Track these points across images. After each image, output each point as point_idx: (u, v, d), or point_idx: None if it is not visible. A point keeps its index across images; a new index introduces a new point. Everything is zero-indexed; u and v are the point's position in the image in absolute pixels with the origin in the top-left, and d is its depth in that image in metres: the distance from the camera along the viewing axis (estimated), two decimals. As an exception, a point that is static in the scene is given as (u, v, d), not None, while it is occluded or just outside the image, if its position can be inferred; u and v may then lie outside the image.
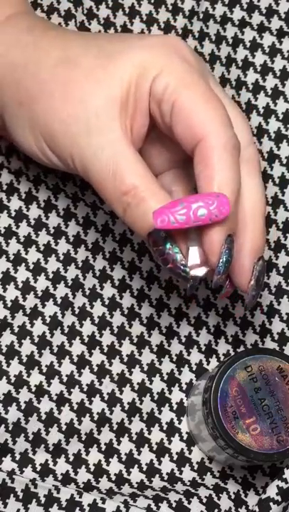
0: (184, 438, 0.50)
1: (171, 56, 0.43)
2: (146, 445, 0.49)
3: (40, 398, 0.49)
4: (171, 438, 0.50)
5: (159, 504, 0.48)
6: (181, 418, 0.50)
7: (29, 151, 0.46)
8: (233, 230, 0.43)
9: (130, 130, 0.43)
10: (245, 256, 0.44)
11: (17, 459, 0.49)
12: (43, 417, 0.49)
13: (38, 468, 0.48)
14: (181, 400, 0.50)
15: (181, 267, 0.42)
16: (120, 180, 0.42)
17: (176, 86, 0.42)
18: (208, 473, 0.49)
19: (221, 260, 0.42)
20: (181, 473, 0.49)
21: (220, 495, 0.49)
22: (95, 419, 0.49)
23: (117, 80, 0.43)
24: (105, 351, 0.50)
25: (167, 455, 0.49)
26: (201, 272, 0.43)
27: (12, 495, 0.47)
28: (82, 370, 0.50)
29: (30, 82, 0.44)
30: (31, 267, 0.51)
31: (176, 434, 0.50)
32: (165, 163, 0.47)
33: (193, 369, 0.51)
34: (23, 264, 0.51)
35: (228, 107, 0.44)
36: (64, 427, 0.49)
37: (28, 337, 0.50)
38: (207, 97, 0.43)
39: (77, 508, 0.47)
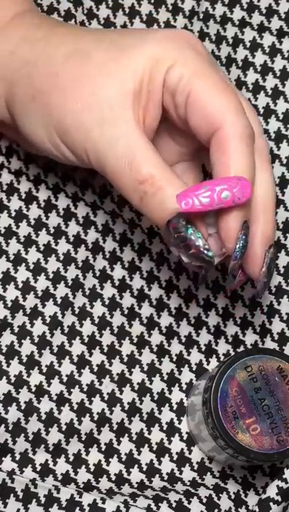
0: (184, 438, 0.50)
1: (184, 48, 0.44)
2: (146, 445, 0.49)
3: (40, 398, 0.49)
4: (171, 438, 0.50)
5: (159, 504, 0.48)
6: (181, 418, 0.50)
7: (42, 147, 0.46)
8: (248, 217, 0.43)
9: (143, 122, 0.44)
10: (257, 244, 0.44)
11: (17, 459, 0.49)
12: (43, 417, 0.49)
13: (38, 468, 0.48)
14: (181, 399, 0.50)
15: (205, 252, 0.42)
16: (136, 170, 0.43)
17: (191, 76, 0.43)
18: (208, 473, 0.49)
19: (237, 246, 0.43)
20: (181, 473, 0.49)
21: (220, 495, 0.49)
22: (95, 419, 0.49)
23: (130, 72, 0.43)
24: (105, 351, 0.50)
25: (167, 455, 0.49)
26: (216, 259, 0.44)
27: (12, 495, 0.47)
28: (82, 370, 0.50)
29: (43, 76, 0.45)
30: (31, 267, 0.51)
31: (176, 434, 0.50)
32: (174, 156, 0.48)
33: (193, 369, 0.51)
34: (23, 264, 0.51)
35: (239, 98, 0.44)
36: (64, 427, 0.49)
37: (28, 337, 0.50)
38: (221, 86, 0.43)
39: (77, 508, 0.47)
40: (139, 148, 0.43)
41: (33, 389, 0.50)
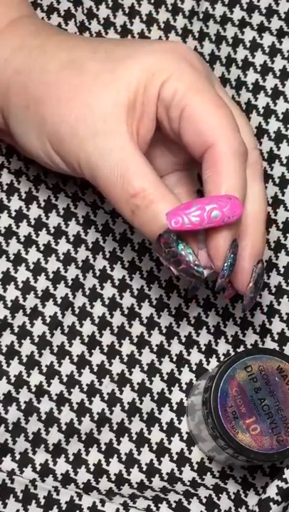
0: (184, 438, 0.50)
1: (180, 62, 0.43)
2: (146, 445, 0.49)
3: (40, 398, 0.49)
4: (171, 438, 0.50)
5: (159, 505, 0.48)
6: (181, 418, 0.50)
7: (35, 155, 0.46)
8: (237, 235, 0.43)
9: (136, 134, 0.44)
10: (245, 259, 0.44)
11: (17, 458, 0.48)
12: (43, 417, 0.49)
13: (38, 468, 0.48)
14: (181, 399, 0.50)
15: (195, 267, 0.42)
16: (129, 183, 0.43)
17: (186, 92, 0.43)
18: (208, 473, 0.49)
19: (225, 264, 0.43)
20: (181, 473, 0.49)
21: (220, 495, 0.49)
22: (95, 419, 0.49)
23: (125, 84, 0.43)
24: (105, 351, 0.50)
25: (167, 455, 0.49)
26: (206, 272, 0.44)
27: (12, 495, 0.47)
28: (82, 370, 0.50)
29: (37, 85, 0.45)
30: (31, 266, 0.51)
31: (176, 434, 0.50)
32: (168, 165, 0.48)
33: (193, 369, 0.51)
34: (23, 264, 0.51)
35: (233, 111, 0.44)
36: (64, 427, 0.49)
37: (28, 337, 0.50)
38: (216, 103, 0.43)
39: (77, 511, 0.47)
40: (132, 162, 0.43)
41: (33, 389, 0.50)
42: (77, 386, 0.50)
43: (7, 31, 0.46)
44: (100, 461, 0.49)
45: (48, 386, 0.50)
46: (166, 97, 0.43)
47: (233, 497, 0.49)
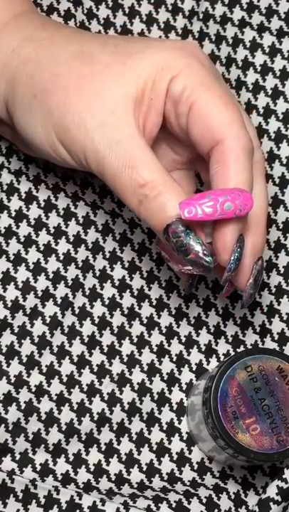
0: (184, 438, 0.50)
1: (190, 59, 0.44)
2: (146, 445, 0.49)
3: (40, 398, 0.49)
4: (171, 438, 0.50)
5: (159, 505, 0.48)
6: (181, 418, 0.50)
7: (39, 147, 0.46)
8: (244, 230, 0.44)
9: (143, 128, 0.44)
10: (246, 256, 0.45)
11: (17, 458, 0.48)
12: (43, 417, 0.49)
13: (38, 468, 0.48)
14: (181, 400, 0.50)
15: (204, 257, 0.43)
16: (137, 173, 0.43)
17: (195, 88, 0.43)
18: (208, 473, 0.49)
19: (232, 258, 0.43)
20: (181, 473, 0.49)
21: (220, 495, 0.49)
22: (95, 419, 0.49)
23: (134, 77, 0.44)
24: (105, 351, 0.50)
25: (167, 455, 0.49)
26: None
27: (12, 495, 0.47)
28: (82, 370, 0.50)
29: (46, 75, 0.45)
30: (31, 266, 0.51)
31: (176, 434, 0.50)
32: (168, 164, 0.48)
33: (193, 369, 0.51)
34: (23, 264, 0.51)
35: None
36: (64, 427, 0.49)
37: (28, 337, 0.50)
38: (225, 99, 0.43)
39: (77, 510, 0.47)
40: (140, 153, 0.43)
41: (33, 389, 0.50)
42: (77, 386, 0.50)
43: (13, 24, 0.47)
44: (100, 461, 0.49)
45: (48, 386, 0.50)
46: (174, 93, 0.44)
47: (233, 497, 0.49)
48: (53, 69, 0.45)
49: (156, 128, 0.45)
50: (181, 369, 0.51)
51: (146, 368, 0.50)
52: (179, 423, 0.50)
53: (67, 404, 0.49)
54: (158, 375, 0.50)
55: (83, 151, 0.44)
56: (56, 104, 0.44)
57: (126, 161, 0.43)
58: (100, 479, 0.49)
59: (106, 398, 0.50)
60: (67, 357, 0.50)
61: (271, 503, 0.45)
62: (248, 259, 0.45)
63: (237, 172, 0.43)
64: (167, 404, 0.50)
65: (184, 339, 0.51)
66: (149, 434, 0.50)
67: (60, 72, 0.44)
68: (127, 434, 0.49)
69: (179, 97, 0.44)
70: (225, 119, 0.43)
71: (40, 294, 0.51)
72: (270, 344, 0.51)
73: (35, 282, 0.51)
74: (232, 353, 0.51)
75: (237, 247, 0.43)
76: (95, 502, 0.47)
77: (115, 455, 0.49)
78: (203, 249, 0.42)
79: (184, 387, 0.50)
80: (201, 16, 0.56)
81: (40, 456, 0.49)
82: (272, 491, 0.46)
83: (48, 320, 0.51)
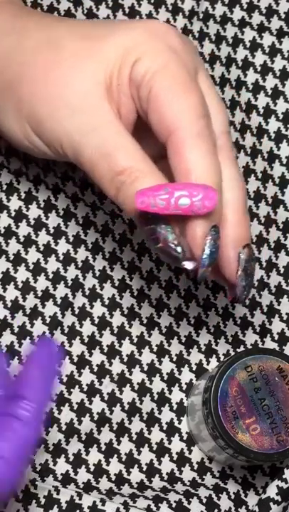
0: (184, 438, 0.50)
1: (155, 41, 0.42)
2: (146, 445, 0.49)
3: (40, 398, 0.49)
4: (171, 438, 0.50)
5: (159, 505, 0.48)
6: (181, 418, 0.50)
7: (16, 140, 0.45)
8: (217, 221, 0.41)
9: (118, 113, 0.42)
10: (228, 247, 0.42)
11: (17, 459, 0.48)
12: (43, 417, 0.49)
13: (38, 468, 0.48)
14: (181, 399, 0.50)
15: (173, 246, 0.40)
16: (115, 161, 0.41)
17: (155, 73, 0.41)
18: (208, 473, 0.49)
19: (204, 252, 0.41)
20: (181, 473, 0.49)
21: (220, 495, 0.49)
22: (95, 419, 0.49)
23: (101, 63, 0.42)
24: (105, 351, 0.50)
25: (167, 455, 0.49)
26: (189, 265, 0.42)
27: (12, 495, 0.47)
28: (82, 370, 0.50)
29: (14, 67, 0.43)
30: (31, 267, 0.51)
31: (176, 434, 0.50)
32: (152, 153, 0.45)
33: (193, 369, 0.51)
34: (23, 264, 0.51)
35: (211, 98, 0.43)
36: (64, 427, 0.49)
37: (28, 337, 0.50)
38: (185, 87, 0.41)
39: (77, 510, 0.47)
40: (116, 139, 0.41)
41: (33, 389, 0.50)
42: (77, 386, 0.50)
43: None
44: (100, 461, 0.49)
45: (48, 386, 0.50)
46: (136, 77, 0.41)
47: (233, 497, 0.49)
48: (20, 60, 0.43)
49: (132, 113, 0.43)
50: (181, 369, 0.51)
51: (146, 368, 0.50)
52: (179, 423, 0.50)
53: (67, 404, 0.49)
54: (158, 375, 0.50)
55: (59, 141, 0.43)
56: (26, 95, 0.43)
57: (102, 149, 0.41)
58: (100, 479, 0.49)
59: (106, 398, 0.50)
60: (67, 357, 0.50)
61: (271, 503, 0.45)
62: (230, 250, 0.42)
63: (195, 162, 0.40)
64: (167, 404, 0.50)
65: (183, 339, 0.51)
66: (149, 434, 0.50)
67: (27, 62, 0.43)
68: (127, 434, 0.49)
69: (140, 81, 0.41)
70: (179, 107, 0.40)
71: (40, 294, 0.51)
72: (270, 344, 0.51)
73: (35, 282, 0.51)
74: (232, 353, 0.51)
75: (210, 241, 0.41)
76: (95, 502, 0.47)
77: (115, 455, 0.49)
78: (173, 238, 0.40)
79: (184, 387, 0.50)
80: (201, 15, 0.56)
81: (40, 456, 0.49)
82: (272, 491, 0.46)
83: (47, 320, 0.51)
